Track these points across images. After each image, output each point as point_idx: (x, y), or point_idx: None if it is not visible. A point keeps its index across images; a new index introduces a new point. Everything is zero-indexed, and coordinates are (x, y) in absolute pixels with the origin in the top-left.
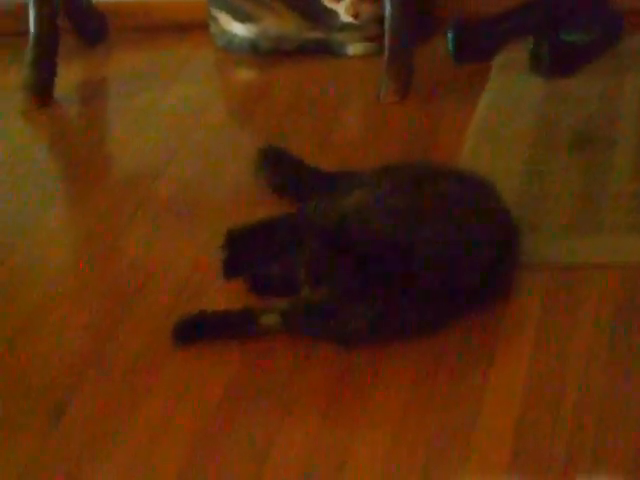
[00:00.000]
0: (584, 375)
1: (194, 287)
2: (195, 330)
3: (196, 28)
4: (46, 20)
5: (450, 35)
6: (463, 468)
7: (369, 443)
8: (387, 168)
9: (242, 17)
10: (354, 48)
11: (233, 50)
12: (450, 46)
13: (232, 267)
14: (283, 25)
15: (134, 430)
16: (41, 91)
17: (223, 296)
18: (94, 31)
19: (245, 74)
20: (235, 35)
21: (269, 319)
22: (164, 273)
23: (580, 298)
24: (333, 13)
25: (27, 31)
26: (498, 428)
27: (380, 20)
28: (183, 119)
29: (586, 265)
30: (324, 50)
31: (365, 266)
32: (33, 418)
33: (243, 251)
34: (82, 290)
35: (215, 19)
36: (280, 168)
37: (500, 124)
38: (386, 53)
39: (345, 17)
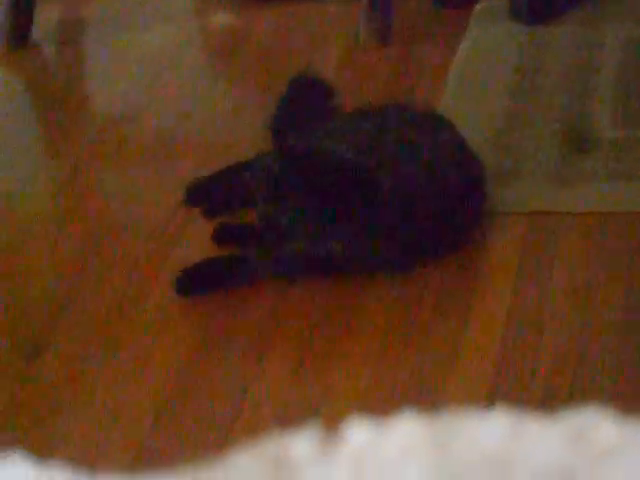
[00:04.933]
0: (562, 317)
1: (173, 229)
2: (196, 282)
3: None
4: None
5: None
6: (440, 407)
7: (344, 389)
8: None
9: None
10: None
11: None
12: None
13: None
14: None
15: (110, 370)
16: (18, 33)
17: (201, 238)
18: None
19: (224, 17)
20: None
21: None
22: (141, 215)
23: (558, 245)
24: None
25: None
26: (477, 367)
27: None
28: (160, 62)
29: (565, 212)
30: None
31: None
32: (9, 358)
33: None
34: (59, 231)
35: None
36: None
37: (480, 70)
38: None
39: None
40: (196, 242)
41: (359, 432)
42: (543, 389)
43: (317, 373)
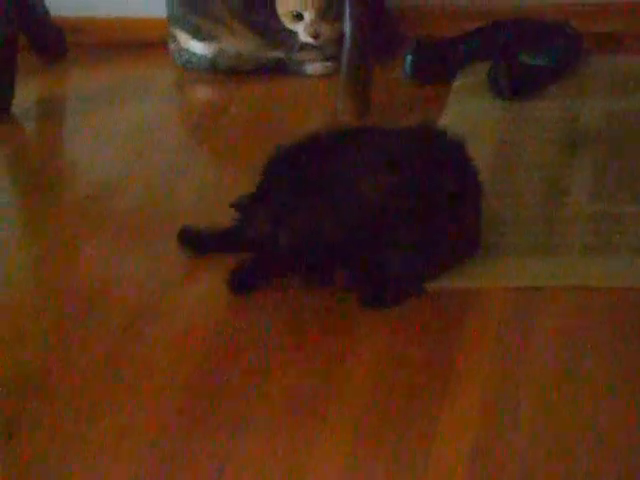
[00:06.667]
0: (539, 399)
1: (153, 299)
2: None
3: (155, 46)
4: (3, 37)
5: (408, 56)
6: None
7: (321, 470)
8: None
9: (201, 36)
10: (313, 67)
11: (192, 68)
12: (408, 67)
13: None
14: (242, 44)
15: (87, 444)
16: None
17: (185, 307)
18: (52, 48)
19: (204, 92)
20: (194, 54)
21: None
22: (122, 286)
23: (535, 320)
24: (292, 33)
25: None
26: (454, 449)
27: (339, 40)
28: (141, 137)
29: (542, 287)
30: (283, 69)
31: None
32: None
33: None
34: (38, 304)
35: (174, 37)
36: None
37: None
38: (343, 72)
39: (305, 37)
40: (177, 311)
41: None
42: (520, 471)
43: (295, 452)
